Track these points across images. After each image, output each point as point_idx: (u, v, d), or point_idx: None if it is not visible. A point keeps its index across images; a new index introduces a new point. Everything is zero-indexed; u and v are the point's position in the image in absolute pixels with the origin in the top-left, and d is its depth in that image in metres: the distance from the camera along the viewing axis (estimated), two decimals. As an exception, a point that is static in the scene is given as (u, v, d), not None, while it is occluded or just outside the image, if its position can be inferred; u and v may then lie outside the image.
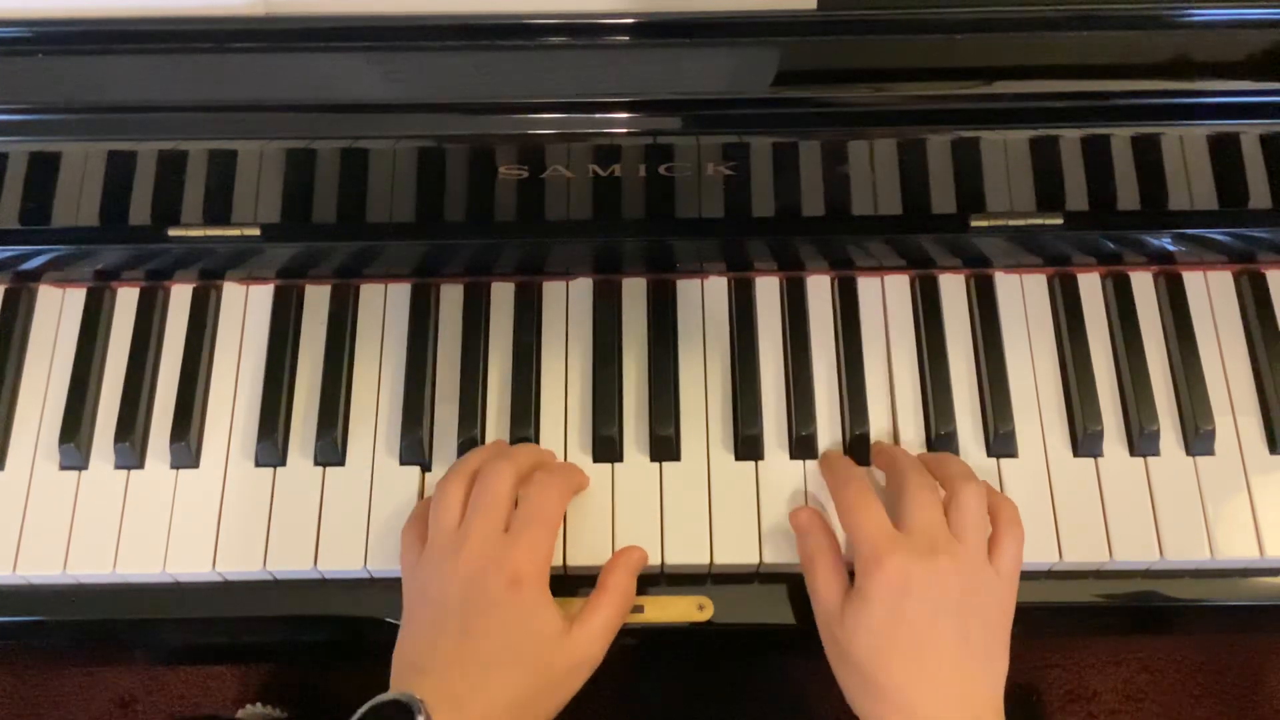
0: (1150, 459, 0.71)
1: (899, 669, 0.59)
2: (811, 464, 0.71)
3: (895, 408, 0.73)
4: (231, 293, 0.76)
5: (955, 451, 0.71)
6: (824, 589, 0.63)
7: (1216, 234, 0.74)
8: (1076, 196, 0.71)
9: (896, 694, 0.59)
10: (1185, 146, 0.66)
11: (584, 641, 0.63)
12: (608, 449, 0.71)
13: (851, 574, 0.63)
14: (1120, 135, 0.65)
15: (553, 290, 0.76)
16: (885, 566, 0.60)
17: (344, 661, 1.02)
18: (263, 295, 0.76)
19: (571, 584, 0.69)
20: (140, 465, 0.71)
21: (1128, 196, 0.71)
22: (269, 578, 0.69)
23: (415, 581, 0.65)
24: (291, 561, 0.68)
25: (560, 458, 0.71)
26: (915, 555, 0.61)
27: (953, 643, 0.60)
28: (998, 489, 0.70)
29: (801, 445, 0.71)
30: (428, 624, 0.62)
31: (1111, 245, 0.75)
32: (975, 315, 0.75)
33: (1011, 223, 0.72)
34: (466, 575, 0.62)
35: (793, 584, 0.69)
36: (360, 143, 0.65)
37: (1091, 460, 0.71)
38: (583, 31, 0.62)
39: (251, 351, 0.75)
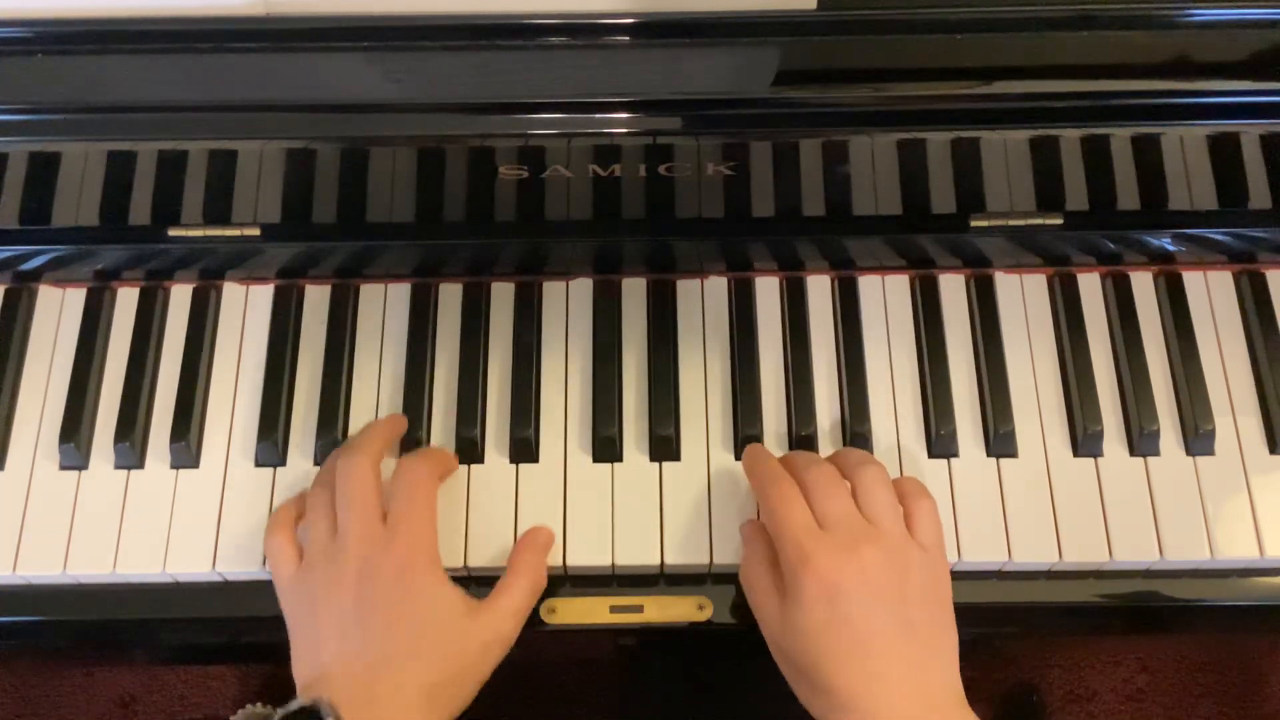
0: (1150, 459, 0.71)
1: (846, 669, 0.58)
2: (811, 464, 0.71)
3: (895, 408, 0.73)
4: (231, 293, 0.76)
5: (955, 452, 0.71)
6: (763, 600, 0.63)
7: (1216, 234, 0.74)
8: (1076, 196, 0.71)
9: (848, 695, 0.58)
10: (1185, 146, 0.66)
11: (494, 621, 0.63)
12: (608, 449, 0.71)
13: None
14: (1120, 135, 0.65)
15: (553, 290, 0.76)
16: (813, 567, 0.59)
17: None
18: (263, 295, 0.76)
19: (571, 584, 0.69)
20: (140, 465, 0.71)
21: (1128, 196, 0.71)
22: (268, 578, 0.69)
23: (300, 593, 0.63)
24: (291, 561, 0.68)
25: (560, 458, 0.71)
26: (840, 550, 0.59)
27: (895, 633, 0.59)
28: (995, 489, 0.70)
29: (802, 445, 0.71)
30: (325, 632, 0.61)
31: (1111, 245, 0.75)
32: (975, 315, 0.75)
33: (1011, 223, 0.72)
34: (356, 574, 0.61)
35: (793, 584, 0.69)
36: (360, 143, 0.65)
37: (1091, 460, 0.71)
38: (583, 31, 0.62)
39: (251, 351, 0.75)
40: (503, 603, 0.64)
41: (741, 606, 0.69)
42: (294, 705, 0.57)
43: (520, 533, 0.69)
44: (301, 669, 0.62)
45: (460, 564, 0.68)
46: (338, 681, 0.59)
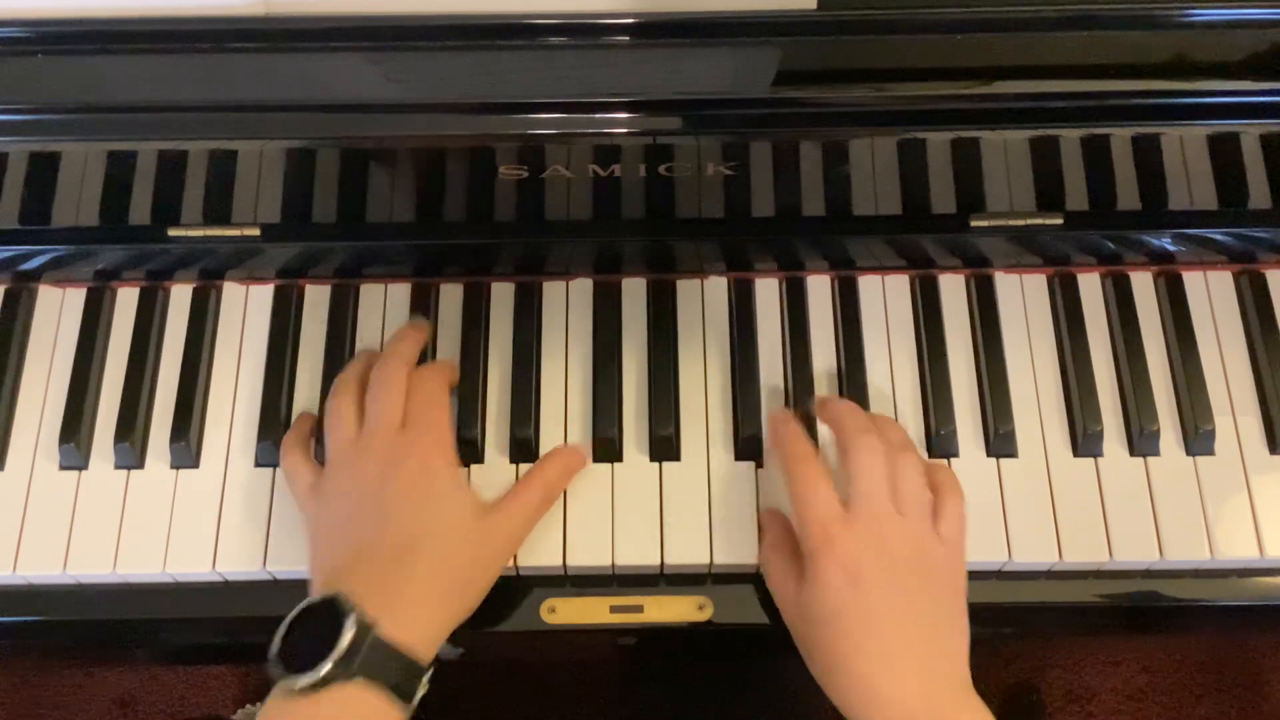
0: (1150, 459, 0.71)
1: (856, 650, 0.59)
2: (811, 464, 0.71)
3: (895, 408, 0.73)
4: (231, 293, 0.76)
5: (955, 452, 0.71)
6: (780, 580, 0.64)
7: (1216, 234, 0.74)
8: (1076, 196, 0.71)
9: (857, 675, 0.59)
10: (1185, 146, 0.66)
11: (505, 523, 0.64)
12: (608, 449, 0.71)
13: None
14: (1120, 135, 0.65)
15: (553, 290, 0.76)
16: (835, 550, 0.60)
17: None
18: (263, 295, 0.76)
19: (571, 584, 0.69)
20: (140, 465, 0.71)
21: (1128, 196, 0.71)
22: (269, 578, 0.69)
23: (323, 492, 0.65)
24: (291, 561, 0.68)
25: (560, 457, 0.71)
26: (864, 538, 0.61)
27: (908, 620, 0.60)
28: (995, 489, 0.70)
29: (801, 445, 0.71)
30: (346, 529, 0.62)
31: (1111, 245, 0.75)
32: (975, 315, 0.75)
33: (1011, 223, 0.72)
34: (379, 471, 0.63)
35: (793, 584, 0.69)
36: (360, 143, 0.65)
37: (1091, 460, 0.71)
38: (583, 31, 0.62)
39: (251, 351, 0.75)
40: (514, 505, 0.65)
41: (742, 605, 0.69)
42: (315, 599, 0.58)
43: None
44: (322, 566, 0.63)
45: (460, 564, 0.68)
46: (359, 572, 0.60)
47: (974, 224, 0.72)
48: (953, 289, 0.76)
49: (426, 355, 0.73)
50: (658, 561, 0.68)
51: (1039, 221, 0.72)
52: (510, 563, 0.68)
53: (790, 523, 0.66)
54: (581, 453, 0.70)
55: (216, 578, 0.69)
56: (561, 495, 0.69)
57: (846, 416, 0.66)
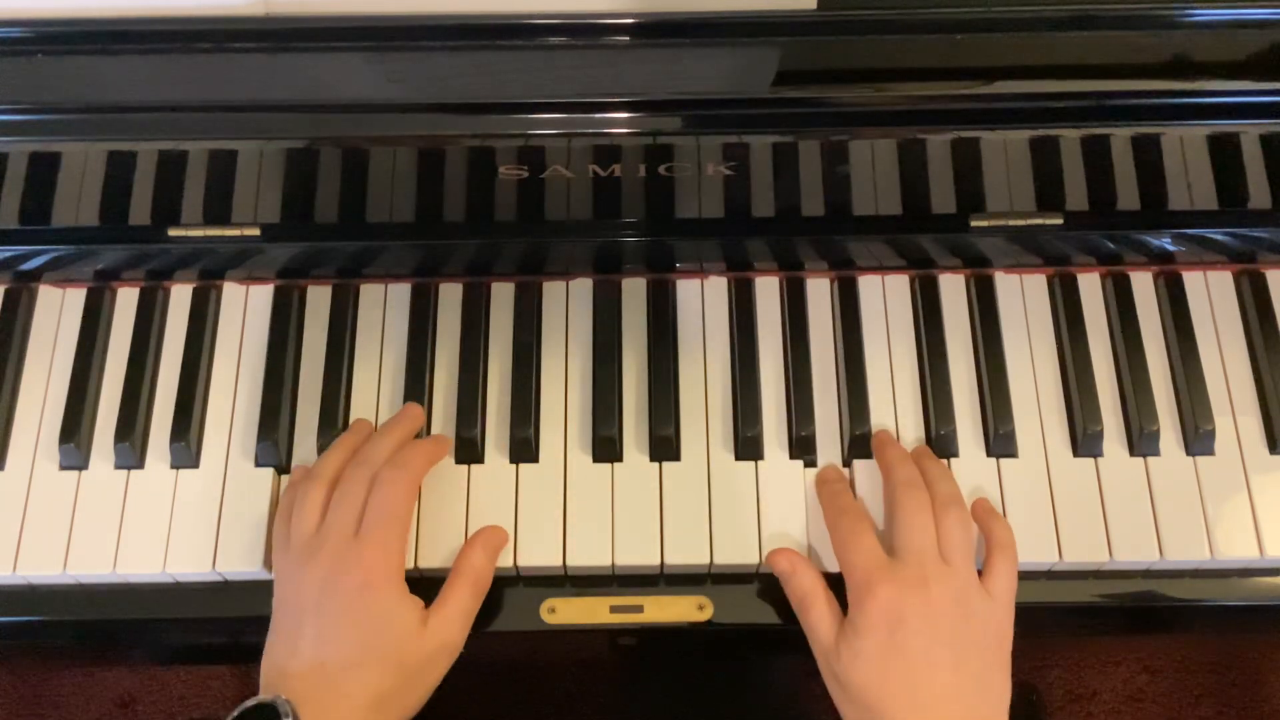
0: (1150, 459, 0.71)
1: (894, 700, 0.60)
2: (812, 464, 0.71)
3: (895, 408, 0.73)
4: (231, 293, 0.76)
5: (955, 452, 0.71)
6: (819, 625, 0.64)
7: (1216, 234, 0.74)
8: (1076, 196, 0.71)
9: None
10: (1185, 146, 0.66)
11: (440, 630, 0.64)
12: (608, 449, 0.71)
13: (844, 600, 0.64)
14: (1120, 135, 0.65)
15: (553, 290, 0.76)
16: (878, 597, 0.61)
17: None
18: (263, 295, 0.76)
19: (571, 584, 0.69)
20: (140, 465, 0.71)
21: (1128, 196, 0.71)
22: (268, 578, 0.69)
23: (281, 579, 0.65)
24: (291, 561, 0.68)
25: (560, 458, 0.71)
26: (907, 586, 0.61)
27: (948, 672, 0.60)
28: (995, 489, 0.70)
29: (801, 445, 0.71)
30: (289, 627, 0.63)
31: (1111, 245, 0.75)
32: (975, 315, 0.75)
33: (1011, 223, 0.72)
34: (321, 580, 0.62)
35: (793, 584, 0.69)
36: (360, 143, 0.65)
37: (1091, 460, 0.71)
38: (583, 31, 0.62)
39: (251, 351, 0.75)
40: (448, 610, 0.64)
41: (741, 605, 0.69)
42: (255, 701, 0.59)
43: (520, 532, 0.69)
44: (270, 653, 0.63)
45: (460, 564, 0.68)
46: (294, 682, 0.61)
47: (974, 224, 0.72)
48: (953, 289, 0.76)
49: (428, 361, 0.73)
50: (658, 561, 0.68)
51: (1039, 221, 0.72)
52: (510, 563, 0.68)
53: (812, 563, 0.67)
54: (501, 528, 0.68)
55: (216, 578, 0.69)
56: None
57: (896, 467, 0.67)
